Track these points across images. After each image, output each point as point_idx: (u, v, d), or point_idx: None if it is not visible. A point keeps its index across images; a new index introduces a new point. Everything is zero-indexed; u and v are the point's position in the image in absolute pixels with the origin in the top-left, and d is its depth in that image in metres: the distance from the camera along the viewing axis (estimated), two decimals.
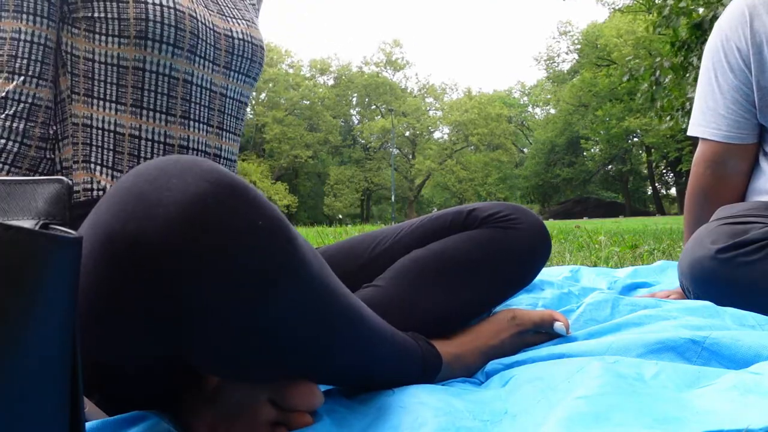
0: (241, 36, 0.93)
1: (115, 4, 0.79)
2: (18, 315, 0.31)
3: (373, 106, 39.32)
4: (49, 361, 0.33)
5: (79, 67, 0.82)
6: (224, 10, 0.93)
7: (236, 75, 0.94)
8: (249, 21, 0.98)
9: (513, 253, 0.85)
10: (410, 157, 37.69)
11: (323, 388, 0.71)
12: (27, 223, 0.36)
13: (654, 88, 5.68)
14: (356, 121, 39.96)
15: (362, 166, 35.99)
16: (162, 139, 0.85)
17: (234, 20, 0.94)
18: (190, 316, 0.45)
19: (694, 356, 0.69)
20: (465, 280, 0.83)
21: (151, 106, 0.84)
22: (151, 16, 0.79)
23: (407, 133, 37.87)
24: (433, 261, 0.83)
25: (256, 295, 0.46)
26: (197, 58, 0.86)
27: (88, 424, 0.53)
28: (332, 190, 33.95)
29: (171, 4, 0.81)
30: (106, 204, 0.45)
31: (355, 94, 38.79)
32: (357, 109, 40.03)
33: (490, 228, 0.85)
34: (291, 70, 36.15)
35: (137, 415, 0.57)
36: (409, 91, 40.88)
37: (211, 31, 0.87)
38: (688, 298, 1.09)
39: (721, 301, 0.94)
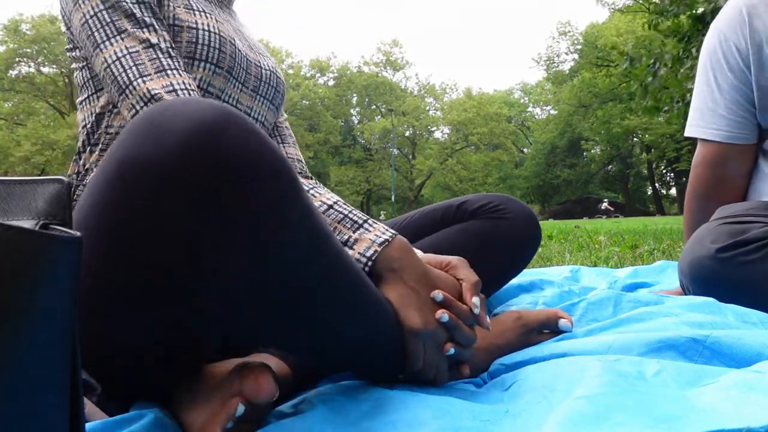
0: (267, 68, 0.98)
1: (171, 28, 0.84)
2: (18, 315, 0.31)
3: (373, 106, 39.33)
4: (49, 361, 0.33)
5: (115, 123, 0.85)
6: (252, 47, 1.00)
7: (261, 99, 0.97)
8: (274, 62, 1.03)
9: (504, 243, 0.87)
10: (410, 157, 37.70)
11: (326, 385, 0.72)
12: (27, 223, 0.36)
13: (650, 79, 5.67)
14: (356, 121, 39.97)
15: (362, 166, 35.99)
16: None
17: (261, 56, 1.00)
18: (198, 243, 0.46)
19: (696, 355, 0.69)
20: None
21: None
22: (200, 40, 0.85)
23: (407, 133, 37.88)
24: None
25: (260, 221, 0.47)
26: (231, 78, 0.90)
27: (88, 425, 0.53)
28: (332, 191, 33.90)
29: (216, 31, 0.87)
30: (118, 140, 0.47)
31: (355, 94, 38.80)
32: (357, 109, 40.04)
33: (481, 219, 0.87)
34: (291, 71, 36.15)
35: (137, 415, 0.57)
36: (409, 91, 40.90)
37: (244, 58, 0.92)
38: None
39: (721, 301, 0.94)
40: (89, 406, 0.59)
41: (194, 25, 0.85)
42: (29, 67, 27.27)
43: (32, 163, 24.25)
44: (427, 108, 40.48)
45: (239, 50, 0.91)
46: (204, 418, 0.56)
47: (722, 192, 1.21)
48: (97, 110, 0.87)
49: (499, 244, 0.87)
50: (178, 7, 0.85)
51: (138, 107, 0.74)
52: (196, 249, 0.46)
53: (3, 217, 0.36)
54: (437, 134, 39.60)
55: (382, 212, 34.40)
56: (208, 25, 0.86)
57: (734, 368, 0.63)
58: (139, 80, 0.74)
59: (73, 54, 0.89)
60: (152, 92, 0.73)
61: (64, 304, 0.33)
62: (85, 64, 0.88)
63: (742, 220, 1.06)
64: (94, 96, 0.88)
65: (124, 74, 0.75)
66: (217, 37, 0.87)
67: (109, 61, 0.76)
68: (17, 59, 26.66)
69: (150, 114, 0.47)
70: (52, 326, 0.33)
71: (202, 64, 0.86)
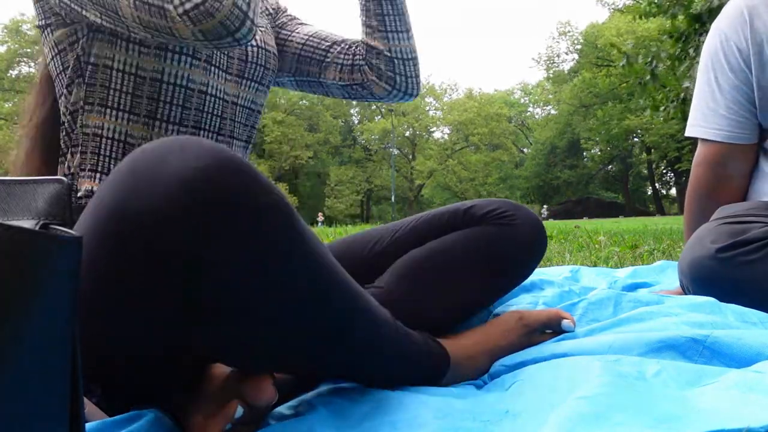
0: (254, 43, 0.93)
1: None
2: (18, 315, 0.31)
3: (373, 106, 39.28)
4: (49, 361, 0.33)
5: (96, 76, 0.83)
6: None
7: (248, 83, 0.94)
8: (263, 27, 0.98)
9: (511, 250, 0.86)
10: (410, 157, 37.69)
11: (326, 385, 0.72)
12: (27, 223, 0.36)
13: (648, 77, 5.68)
14: (356, 122, 39.97)
15: (362, 166, 35.99)
16: None
17: None
18: (193, 290, 0.45)
19: (696, 355, 0.69)
20: (465, 279, 0.84)
21: (165, 117, 0.84)
22: None
23: (407, 134, 37.87)
24: (433, 260, 0.84)
25: (258, 268, 0.47)
26: (212, 68, 0.87)
27: (88, 425, 0.53)
28: (333, 191, 33.97)
29: None
30: (107, 184, 0.46)
31: None
32: (357, 109, 40.02)
33: (488, 225, 0.86)
34: None
35: (137, 415, 0.57)
36: None
37: None
38: None
39: (721, 301, 0.94)
40: (89, 406, 0.59)
41: None
42: (30, 67, 27.27)
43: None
44: (427, 108, 40.47)
45: None
46: (203, 420, 0.56)
47: (723, 192, 1.21)
48: (70, 108, 0.84)
49: (506, 251, 0.85)
50: None
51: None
52: (191, 290, 0.46)
53: (3, 217, 0.36)
54: (437, 134, 39.62)
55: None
56: None
57: (734, 368, 0.63)
58: None
59: (47, 33, 0.85)
60: None
61: (64, 304, 0.33)
62: (57, 52, 0.84)
63: (742, 220, 1.06)
64: (66, 91, 0.84)
65: None
66: None
67: None
68: (18, 59, 26.68)
69: (139, 160, 0.45)
70: (52, 326, 0.33)
71: (177, 56, 0.82)
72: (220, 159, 0.45)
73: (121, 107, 0.83)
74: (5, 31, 26.49)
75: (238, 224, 0.45)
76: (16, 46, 26.48)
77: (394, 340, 0.65)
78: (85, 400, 0.59)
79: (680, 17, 5.14)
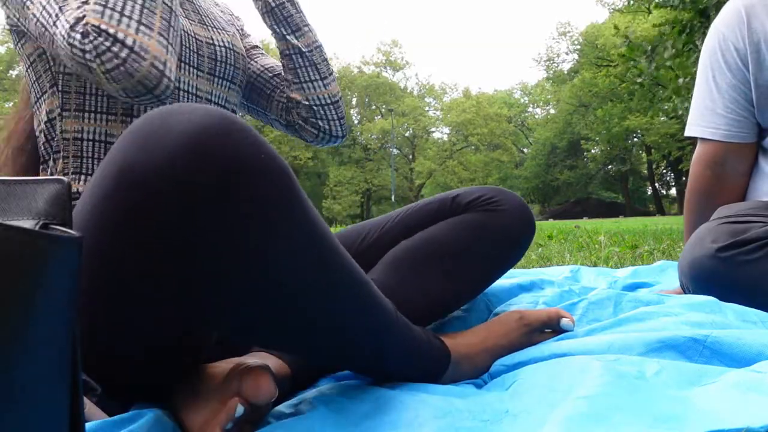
0: (222, 44, 0.96)
1: None
2: (18, 315, 0.31)
3: (373, 107, 39.33)
4: (49, 361, 0.33)
5: (70, 84, 0.84)
6: (205, 21, 0.97)
7: (220, 81, 0.96)
8: (231, 33, 1.01)
9: (499, 235, 0.87)
10: (410, 157, 37.69)
11: (325, 383, 0.72)
12: (27, 223, 0.36)
13: (650, 64, 5.67)
14: (356, 122, 39.96)
15: (362, 166, 35.99)
16: None
17: (215, 30, 0.97)
18: (197, 247, 0.46)
19: (696, 355, 0.69)
20: (455, 266, 0.85)
21: (142, 114, 0.83)
22: None
23: (407, 134, 37.88)
24: (423, 250, 0.85)
25: (259, 226, 0.47)
26: (183, 65, 0.88)
27: (88, 425, 0.53)
28: (331, 192, 33.96)
29: None
30: (117, 144, 0.47)
31: (355, 95, 38.79)
32: (357, 109, 40.03)
33: (475, 212, 0.88)
34: None
35: (137, 414, 0.57)
36: (409, 91, 40.90)
37: (193, 39, 0.90)
38: None
39: (721, 300, 0.94)
40: (89, 406, 0.59)
41: None
42: None
43: None
44: (427, 108, 40.48)
45: (184, 31, 0.89)
46: (203, 419, 0.56)
47: (722, 190, 1.21)
48: (45, 116, 0.86)
49: (494, 236, 0.87)
50: None
51: (70, 38, 0.71)
52: (196, 251, 0.46)
53: (3, 217, 0.36)
54: (437, 134, 39.63)
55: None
56: None
57: (734, 368, 0.63)
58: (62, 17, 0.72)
59: (19, 46, 0.88)
60: (76, 16, 0.71)
61: (64, 304, 0.33)
62: (29, 63, 0.87)
63: (742, 220, 1.06)
64: (42, 99, 0.87)
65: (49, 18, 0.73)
66: None
67: (37, 13, 0.75)
68: (18, 59, 26.67)
69: (147, 120, 0.47)
70: (52, 326, 0.33)
71: None
72: (223, 118, 0.46)
73: (99, 109, 0.84)
74: (5, 32, 26.51)
75: (240, 181, 0.45)
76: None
77: (396, 328, 0.65)
78: (85, 400, 0.59)
79: (684, 12, 5.13)
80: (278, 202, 0.48)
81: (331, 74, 1.06)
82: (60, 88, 0.85)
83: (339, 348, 0.61)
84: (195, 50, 0.90)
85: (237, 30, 1.09)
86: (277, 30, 1.01)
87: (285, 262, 0.50)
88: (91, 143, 0.84)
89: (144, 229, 0.45)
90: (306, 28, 1.02)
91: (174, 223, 0.45)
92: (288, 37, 1.01)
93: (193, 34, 0.90)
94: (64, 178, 0.38)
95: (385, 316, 0.62)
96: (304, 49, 1.02)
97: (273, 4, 1.00)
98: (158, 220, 0.45)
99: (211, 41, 0.94)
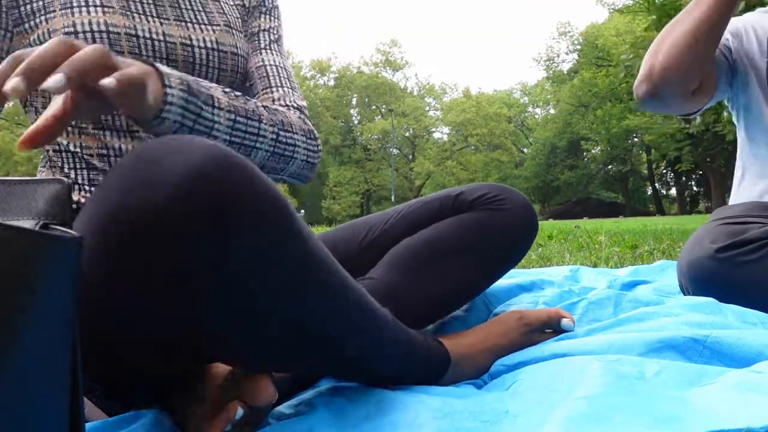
0: (202, 44, 0.86)
1: (47, 33, 0.78)
2: (18, 315, 0.31)
3: (373, 107, 39.33)
4: (49, 361, 0.33)
5: (38, 99, 0.82)
6: (185, 15, 0.87)
7: None
8: (220, 26, 0.90)
9: (502, 234, 0.87)
10: (410, 157, 37.70)
11: (325, 384, 0.72)
12: (27, 223, 0.36)
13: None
14: (356, 122, 39.96)
15: (362, 166, 35.99)
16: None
17: (197, 26, 0.87)
18: (195, 283, 0.45)
19: (696, 355, 0.69)
20: (458, 265, 0.85)
21: (111, 126, 0.82)
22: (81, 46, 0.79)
23: (407, 134, 37.89)
24: (425, 248, 0.85)
25: (256, 265, 0.47)
26: None
27: (88, 425, 0.53)
28: (331, 192, 33.96)
29: (102, 27, 0.78)
30: (108, 181, 0.46)
31: (355, 95, 38.80)
32: (357, 110, 40.04)
33: (479, 210, 0.87)
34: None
35: (137, 414, 0.57)
36: (409, 91, 40.91)
37: (161, 43, 0.82)
38: None
39: (720, 301, 0.94)
40: (89, 406, 0.59)
41: (71, 29, 0.77)
42: None
43: (34, 163, 24.25)
44: (427, 108, 40.48)
45: (146, 38, 0.80)
46: (203, 421, 0.56)
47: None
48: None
49: (498, 235, 0.87)
50: (53, 16, 0.77)
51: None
52: (191, 292, 0.46)
53: (3, 217, 0.36)
54: (437, 134, 39.63)
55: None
56: (89, 22, 0.77)
57: (734, 368, 0.63)
58: None
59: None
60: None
61: (63, 304, 0.33)
62: None
63: (741, 221, 1.06)
64: (27, 110, 0.85)
65: None
66: (105, 35, 0.77)
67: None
68: None
69: (140, 160, 0.46)
70: (52, 326, 0.33)
71: None
72: (219, 156, 0.45)
73: (71, 124, 0.81)
74: None
75: (238, 221, 0.45)
76: None
77: (395, 339, 0.65)
78: (85, 400, 0.59)
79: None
80: (275, 237, 0.48)
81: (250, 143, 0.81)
82: (34, 105, 0.83)
83: (338, 363, 0.61)
84: (165, 55, 0.83)
85: (236, 18, 0.95)
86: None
87: (280, 295, 0.50)
88: (70, 155, 0.82)
89: (137, 266, 0.45)
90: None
91: (169, 261, 0.44)
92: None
93: (161, 38, 0.82)
94: (64, 179, 0.38)
95: (385, 329, 0.63)
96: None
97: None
98: (153, 258, 0.44)
99: (187, 41, 0.85)
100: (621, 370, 0.59)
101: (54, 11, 0.78)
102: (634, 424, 0.48)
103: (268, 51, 0.97)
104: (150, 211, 0.43)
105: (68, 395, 0.35)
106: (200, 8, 0.89)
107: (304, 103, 0.93)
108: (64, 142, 0.82)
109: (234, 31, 0.92)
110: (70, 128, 0.81)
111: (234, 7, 0.95)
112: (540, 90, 40.96)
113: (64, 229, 0.36)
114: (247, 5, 0.97)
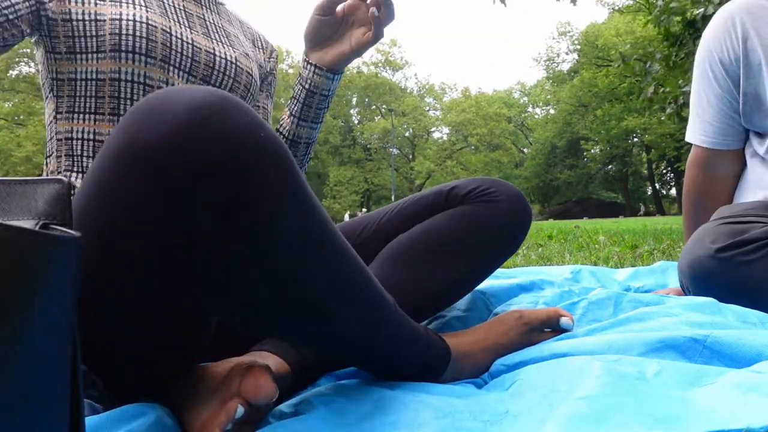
0: (223, 56, 0.97)
1: (93, 23, 0.86)
2: (18, 315, 0.31)
3: (373, 106, 39.35)
4: (49, 360, 0.33)
5: (63, 88, 0.88)
6: (211, 34, 0.98)
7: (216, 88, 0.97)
8: (239, 51, 1.02)
9: (495, 226, 0.88)
10: (410, 157, 37.71)
11: (325, 382, 0.72)
12: (27, 223, 0.36)
13: (644, 76, 5.80)
14: (356, 122, 39.96)
15: (362, 166, 36.01)
16: None
17: (221, 43, 0.98)
18: (201, 220, 0.46)
19: (696, 355, 0.69)
20: (453, 259, 0.86)
21: (128, 110, 0.86)
22: (124, 31, 0.85)
23: (407, 134, 37.90)
24: (420, 243, 0.86)
25: (262, 200, 0.47)
26: (171, 68, 0.90)
27: (87, 419, 0.53)
28: (331, 191, 33.97)
29: (143, 20, 0.87)
30: (119, 124, 0.48)
31: (355, 95, 38.80)
32: (357, 109, 40.04)
33: (472, 204, 0.88)
34: (291, 71, 36.13)
35: (136, 411, 0.57)
36: (408, 91, 40.92)
37: (189, 45, 0.92)
38: None
39: (720, 301, 0.94)
40: (87, 407, 0.59)
41: (117, 17, 0.85)
42: (29, 67, 27.27)
43: (34, 162, 24.28)
44: (427, 108, 40.49)
45: (177, 37, 0.90)
46: (203, 419, 0.56)
47: (712, 190, 1.30)
48: (47, 120, 0.89)
49: (491, 228, 0.87)
50: (104, 3, 0.86)
51: None
52: (200, 224, 0.46)
53: (3, 217, 0.36)
54: (437, 134, 39.63)
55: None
56: (134, 15, 0.86)
57: (734, 368, 0.63)
58: None
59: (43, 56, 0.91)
60: None
61: (63, 304, 0.33)
62: (37, 71, 0.93)
63: (741, 220, 1.06)
64: (46, 104, 0.90)
65: None
66: (144, 26, 0.86)
67: None
68: (17, 59, 26.68)
69: (149, 99, 0.47)
70: (52, 326, 0.33)
71: (131, 55, 0.86)
72: (225, 97, 0.47)
73: (87, 110, 0.87)
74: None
75: (243, 154, 0.45)
76: (16, 46, 26.47)
77: (398, 323, 0.64)
78: (85, 400, 0.59)
79: (676, 20, 5.21)
80: (280, 179, 0.48)
81: (322, 122, 1.10)
82: (55, 93, 0.88)
83: (338, 336, 0.60)
84: (189, 55, 0.91)
85: (255, 53, 1.09)
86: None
87: (287, 240, 0.49)
88: (80, 142, 0.87)
89: (148, 202, 0.45)
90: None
91: (178, 195, 0.45)
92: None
93: (189, 41, 0.92)
94: (64, 178, 0.38)
95: (387, 308, 0.62)
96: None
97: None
98: (162, 192, 0.45)
99: (211, 51, 0.95)
100: (621, 370, 0.59)
101: (105, 1, 0.87)
102: (634, 424, 0.48)
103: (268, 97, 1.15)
104: (159, 140, 0.44)
105: (68, 394, 0.35)
106: (226, 33, 1.02)
107: None
108: (80, 129, 0.87)
109: (251, 60, 1.05)
110: (85, 115, 0.88)
111: (252, 47, 1.10)
112: (540, 90, 40.98)
113: (64, 229, 0.36)
114: (264, 66, 1.13)
